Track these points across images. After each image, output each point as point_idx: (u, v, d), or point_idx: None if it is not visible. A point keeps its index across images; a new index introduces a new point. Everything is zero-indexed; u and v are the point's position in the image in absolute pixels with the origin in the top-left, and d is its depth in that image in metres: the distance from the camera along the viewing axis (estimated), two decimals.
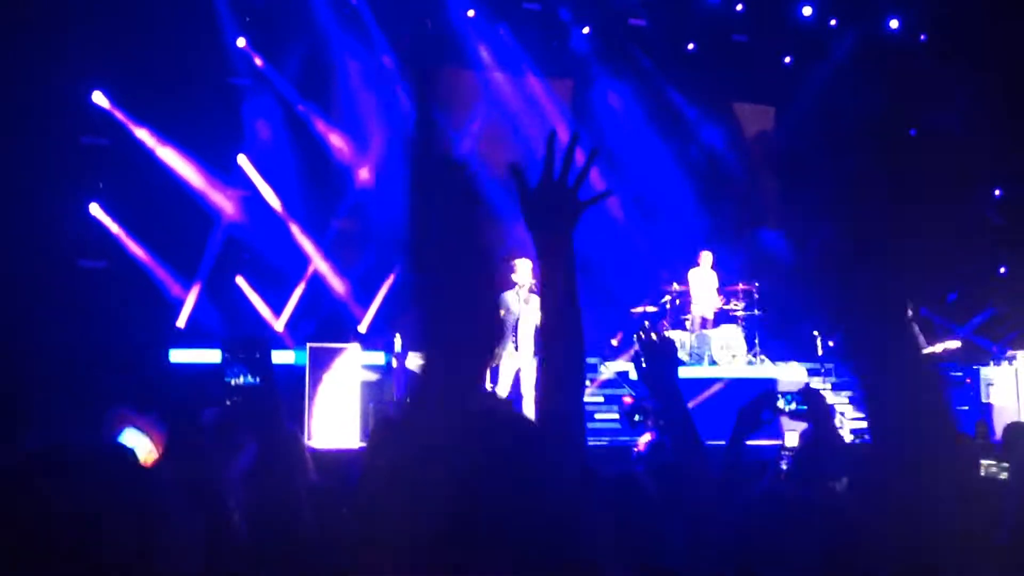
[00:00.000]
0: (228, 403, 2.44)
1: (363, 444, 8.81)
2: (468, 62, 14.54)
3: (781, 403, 3.26)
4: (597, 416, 12.30)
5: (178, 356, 11.72)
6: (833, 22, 15.93)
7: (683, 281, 13.34)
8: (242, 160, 13.18)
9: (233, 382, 2.41)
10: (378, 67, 13.91)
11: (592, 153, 2.05)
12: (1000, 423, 11.94)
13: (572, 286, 2.00)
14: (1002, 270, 16.59)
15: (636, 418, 10.03)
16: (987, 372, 12.81)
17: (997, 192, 16.79)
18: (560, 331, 1.97)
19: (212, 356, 11.77)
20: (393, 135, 13.88)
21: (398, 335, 10.86)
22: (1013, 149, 14.93)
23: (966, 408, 12.94)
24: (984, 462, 4.28)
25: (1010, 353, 12.90)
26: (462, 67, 14.52)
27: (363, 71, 13.83)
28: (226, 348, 2.47)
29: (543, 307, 2.01)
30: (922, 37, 16.31)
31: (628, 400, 10.56)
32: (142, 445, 3.21)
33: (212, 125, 12.51)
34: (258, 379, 2.42)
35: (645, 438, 5.83)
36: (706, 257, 13.18)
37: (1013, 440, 4.91)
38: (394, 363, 10.70)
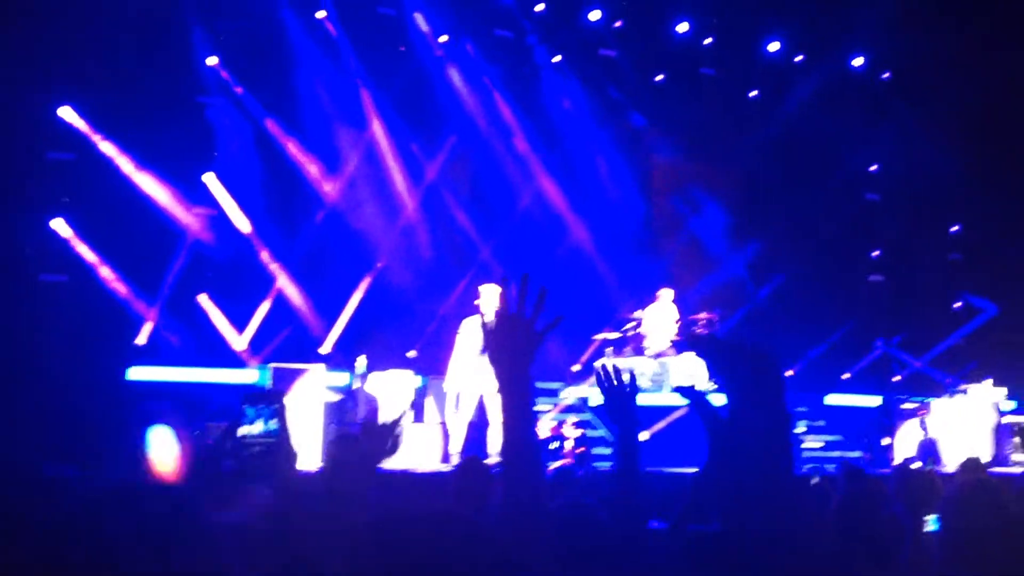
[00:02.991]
0: (245, 454, 2.49)
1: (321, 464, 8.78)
2: (439, 86, 14.63)
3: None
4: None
5: (137, 373, 11.63)
6: (799, 58, 16.20)
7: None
8: (209, 178, 13.15)
9: (248, 431, 2.47)
10: (349, 88, 13.98)
11: (541, 293, 2.14)
12: (944, 455, 12.14)
13: (530, 414, 2.07)
14: (957, 305, 16.89)
15: (553, 445, 10.12)
16: (936, 404, 13.00)
17: (955, 228, 17.11)
18: (519, 458, 2.04)
19: (170, 374, 11.72)
20: (362, 156, 13.94)
21: (362, 356, 10.86)
22: (972, 187, 15.23)
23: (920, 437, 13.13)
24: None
25: (961, 387, 13.11)
26: (433, 91, 14.60)
27: (334, 92, 13.87)
28: (246, 400, 2.53)
29: (504, 432, 2.07)
30: (885, 75, 16.64)
31: (553, 430, 10.63)
32: (168, 447, 3.20)
33: (180, 143, 12.47)
34: (274, 430, 2.48)
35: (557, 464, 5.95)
36: (666, 294, 13.20)
37: (903, 480, 4.89)
38: (356, 384, 10.69)
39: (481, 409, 10.07)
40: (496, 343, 2.07)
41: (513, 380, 2.06)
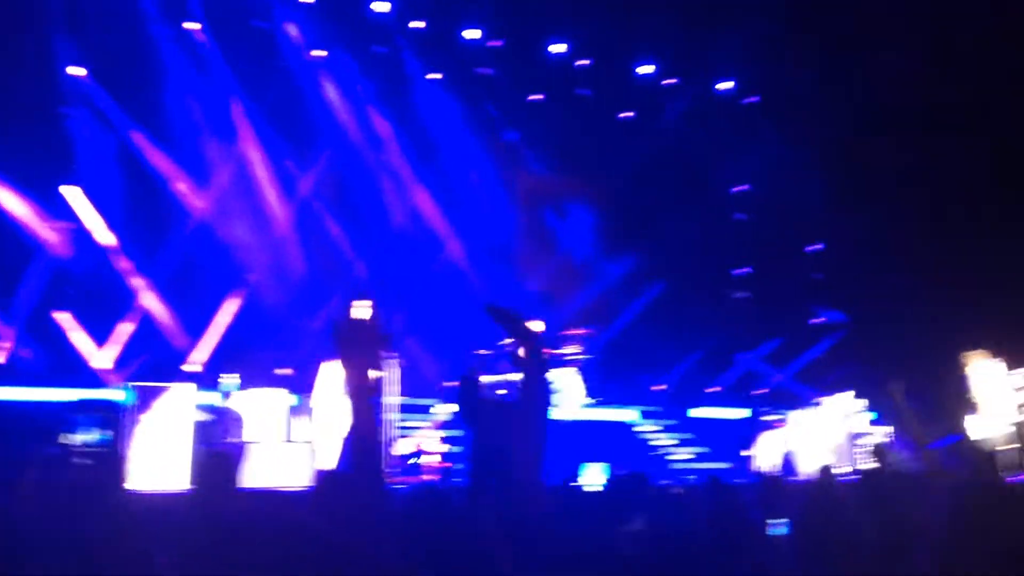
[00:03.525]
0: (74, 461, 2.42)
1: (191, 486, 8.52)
2: (313, 100, 14.48)
3: None
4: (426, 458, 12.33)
5: None
6: (671, 81, 16.64)
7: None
8: (70, 191, 12.67)
9: (73, 439, 2.40)
10: (221, 101, 13.70)
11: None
12: (800, 464, 12.64)
13: (375, 417, 2.26)
14: (818, 321, 17.56)
15: (414, 460, 10.14)
16: (795, 417, 13.52)
17: (816, 247, 17.80)
18: (362, 455, 2.17)
19: (29, 394, 11.19)
20: (233, 170, 13.67)
21: (235, 375, 10.62)
22: (832, 209, 15.86)
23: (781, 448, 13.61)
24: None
25: (817, 399, 13.65)
26: (307, 105, 14.44)
27: (205, 105, 13.58)
28: (77, 409, 2.47)
29: (350, 432, 2.19)
30: (754, 99, 17.23)
31: (417, 445, 10.62)
32: None
33: (39, 154, 11.99)
34: (105, 439, 2.43)
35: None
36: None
37: (760, 488, 5.05)
38: (223, 403, 10.44)
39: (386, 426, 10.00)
40: (345, 348, 2.17)
41: (360, 384, 2.16)
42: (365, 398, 2.20)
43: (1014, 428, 12.00)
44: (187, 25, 13.50)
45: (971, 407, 12.30)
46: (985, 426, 12.14)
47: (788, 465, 12.46)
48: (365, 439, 2.15)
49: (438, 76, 15.30)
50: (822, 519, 2.62)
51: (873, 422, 13.71)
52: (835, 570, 2.49)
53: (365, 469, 2.12)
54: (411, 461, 10.33)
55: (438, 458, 10.51)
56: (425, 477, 9.71)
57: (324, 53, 14.36)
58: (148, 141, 13.21)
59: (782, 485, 5.49)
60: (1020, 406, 12.01)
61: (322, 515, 2.13)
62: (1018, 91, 13.78)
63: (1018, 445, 12.03)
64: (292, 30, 14.05)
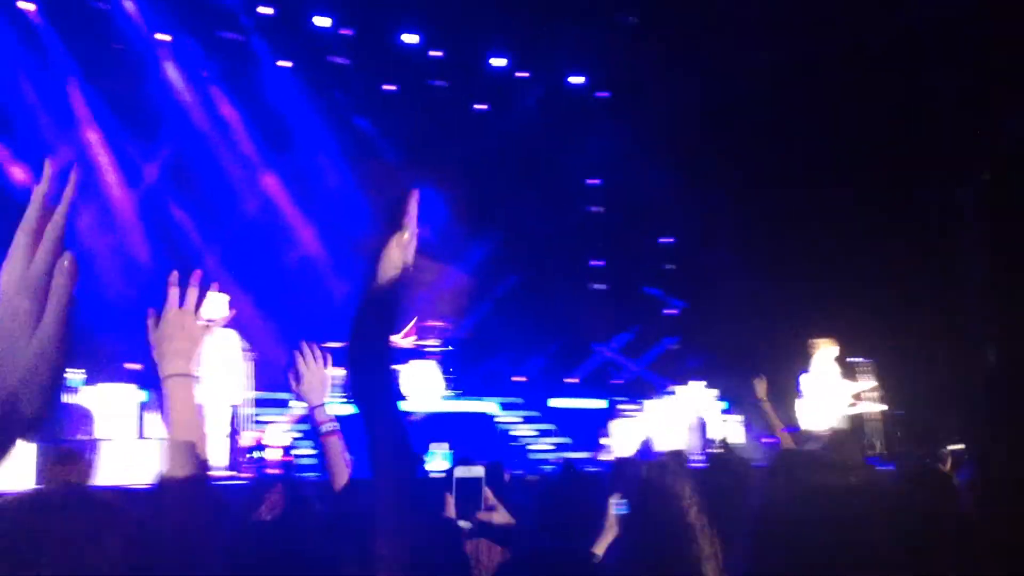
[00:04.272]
0: None
1: (37, 485, 8.11)
2: (157, 87, 13.98)
3: None
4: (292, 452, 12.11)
5: None
6: (523, 74, 16.81)
7: None
8: None
9: None
10: (58, 86, 13.08)
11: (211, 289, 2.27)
12: (656, 450, 13.01)
13: (195, 407, 2.17)
14: (671, 311, 18.10)
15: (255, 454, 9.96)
16: (649, 406, 13.91)
17: (669, 240, 18.33)
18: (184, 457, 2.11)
19: None
20: (73, 157, 13.03)
21: (80, 369, 10.18)
22: (684, 201, 16.34)
23: (637, 436, 13.93)
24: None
25: (670, 388, 14.08)
26: (152, 91, 13.93)
27: (41, 90, 12.94)
28: None
29: (168, 427, 2.15)
30: (604, 94, 17.58)
31: (255, 439, 10.39)
32: None
33: None
34: None
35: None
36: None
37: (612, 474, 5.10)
38: (68, 398, 9.98)
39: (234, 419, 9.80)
40: (166, 336, 2.14)
41: (179, 375, 2.14)
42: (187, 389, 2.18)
43: (849, 417, 12.63)
44: (21, 4, 12.84)
45: (810, 395, 12.85)
46: (819, 415, 12.72)
47: (643, 451, 12.77)
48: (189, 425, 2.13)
49: (288, 64, 15.00)
50: (656, 501, 2.69)
51: (724, 411, 14.23)
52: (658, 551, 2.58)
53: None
54: (254, 455, 10.04)
55: (280, 452, 10.19)
56: (269, 471, 9.46)
57: (168, 37, 13.87)
58: None
59: (631, 469, 5.63)
60: (856, 395, 12.63)
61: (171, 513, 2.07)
62: (866, 79, 14.47)
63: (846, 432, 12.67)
64: (130, 7, 13.48)
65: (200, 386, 2.18)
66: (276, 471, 9.51)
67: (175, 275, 2.19)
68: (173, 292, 2.19)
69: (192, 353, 2.18)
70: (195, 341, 2.19)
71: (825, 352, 12.54)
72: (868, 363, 12.82)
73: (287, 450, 10.18)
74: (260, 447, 10.14)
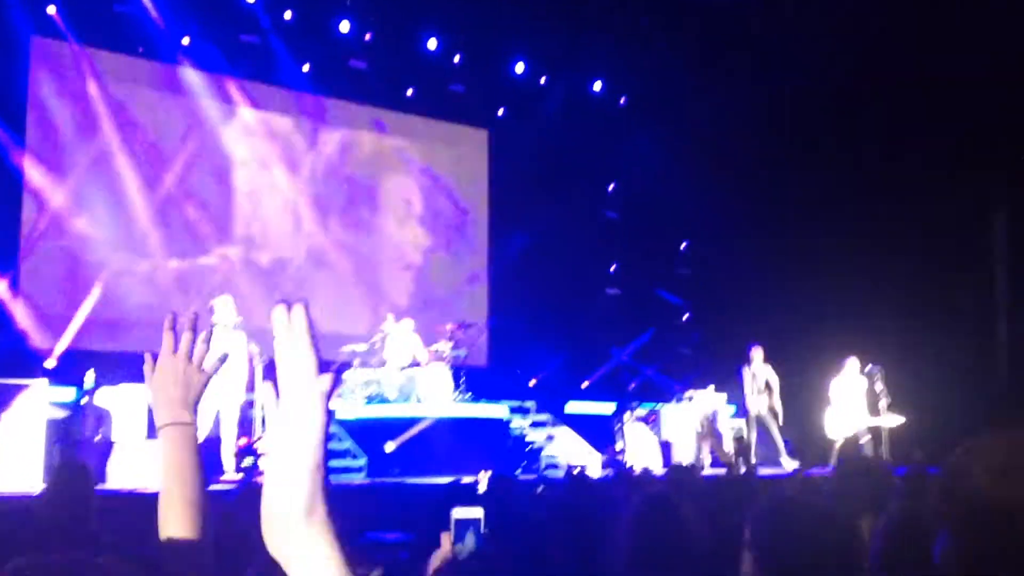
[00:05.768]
0: None
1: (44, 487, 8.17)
2: (177, 90, 14.06)
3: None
4: None
5: None
6: (543, 80, 16.83)
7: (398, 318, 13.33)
8: None
9: None
10: (79, 89, 13.15)
11: (205, 333, 2.14)
12: (674, 457, 13.07)
13: (197, 457, 2.10)
14: (685, 316, 18.09)
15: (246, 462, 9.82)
16: (666, 410, 13.92)
17: (684, 245, 18.32)
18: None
19: None
20: (89, 153, 13.12)
21: (91, 370, 10.26)
22: (699, 207, 16.34)
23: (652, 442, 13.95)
24: None
25: (687, 393, 14.06)
26: (170, 94, 14.01)
27: (60, 93, 13.00)
28: None
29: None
30: (623, 100, 17.59)
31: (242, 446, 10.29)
32: None
33: None
34: None
35: None
36: (407, 323, 13.11)
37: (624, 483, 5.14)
38: (84, 400, 10.08)
39: (216, 424, 9.81)
40: (160, 383, 2.08)
41: (174, 423, 2.07)
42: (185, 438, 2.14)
43: (867, 425, 12.65)
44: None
45: (828, 405, 12.90)
46: (841, 424, 12.75)
47: (661, 457, 12.84)
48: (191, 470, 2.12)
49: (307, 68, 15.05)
50: (656, 519, 2.72)
51: (734, 415, 14.21)
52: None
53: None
54: (245, 461, 9.97)
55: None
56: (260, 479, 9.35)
57: (188, 41, 13.93)
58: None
59: (641, 480, 5.67)
60: (872, 404, 12.63)
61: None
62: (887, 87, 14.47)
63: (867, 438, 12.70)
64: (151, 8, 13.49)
65: (196, 432, 2.13)
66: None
67: (168, 319, 2.13)
68: (167, 338, 2.10)
69: (188, 400, 2.10)
70: (190, 388, 2.10)
71: (852, 363, 12.63)
72: (881, 369, 12.85)
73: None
74: (250, 451, 10.01)
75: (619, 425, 13.62)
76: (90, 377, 10.19)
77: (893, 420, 12.37)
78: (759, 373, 12.95)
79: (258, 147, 14.76)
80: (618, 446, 13.39)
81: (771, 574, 2.05)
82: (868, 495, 3.03)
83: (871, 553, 2.09)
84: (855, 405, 12.65)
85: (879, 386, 12.51)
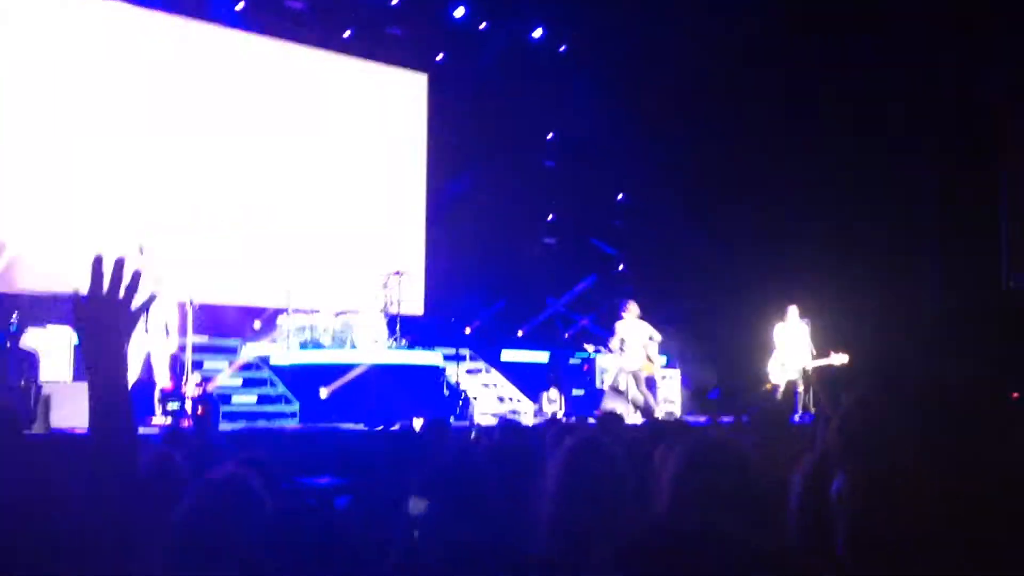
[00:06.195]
0: None
1: None
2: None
3: None
4: (234, 399, 12.10)
5: None
6: (483, 25, 16.64)
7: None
8: None
9: None
10: None
11: (134, 274, 2.13)
12: (607, 407, 13.24)
13: (116, 393, 2.09)
14: (620, 267, 18.27)
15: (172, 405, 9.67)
16: (601, 360, 14.08)
17: (620, 196, 18.42)
18: (103, 430, 2.07)
19: None
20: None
21: (15, 312, 10.04)
22: (636, 158, 16.44)
23: (582, 392, 14.16)
24: None
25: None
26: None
27: None
28: None
29: (91, 416, 2.09)
30: (562, 47, 17.49)
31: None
32: None
33: None
34: None
35: None
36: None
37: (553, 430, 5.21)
38: (8, 344, 9.86)
39: (148, 368, 9.70)
40: (88, 325, 2.06)
41: (103, 355, 2.06)
42: (114, 377, 2.11)
43: (802, 372, 13.07)
44: None
45: (770, 353, 13.28)
46: (782, 370, 13.14)
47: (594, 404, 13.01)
48: (114, 414, 2.09)
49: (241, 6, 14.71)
50: (586, 460, 2.79)
51: (665, 366, 14.44)
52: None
53: (114, 444, 2.07)
54: (170, 405, 9.80)
55: (189, 403, 9.87)
56: (185, 423, 9.26)
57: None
58: None
59: (573, 426, 5.78)
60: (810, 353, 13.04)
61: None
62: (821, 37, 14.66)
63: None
64: None
65: (126, 372, 2.11)
66: (188, 421, 9.27)
67: (95, 259, 2.09)
68: (94, 278, 2.10)
69: (117, 339, 2.10)
70: (119, 327, 2.11)
71: (793, 310, 13.05)
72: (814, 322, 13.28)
73: (198, 401, 9.63)
74: (175, 395, 9.81)
75: (552, 373, 13.77)
76: (14, 319, 9.97)
77: (838, 359, 12.80)
78: (638, 328, 13.08)
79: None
80: (550, 393, 13.55)
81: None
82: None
83: (790, 498, 2.17)
84: (798, 349, 13.07)
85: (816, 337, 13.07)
